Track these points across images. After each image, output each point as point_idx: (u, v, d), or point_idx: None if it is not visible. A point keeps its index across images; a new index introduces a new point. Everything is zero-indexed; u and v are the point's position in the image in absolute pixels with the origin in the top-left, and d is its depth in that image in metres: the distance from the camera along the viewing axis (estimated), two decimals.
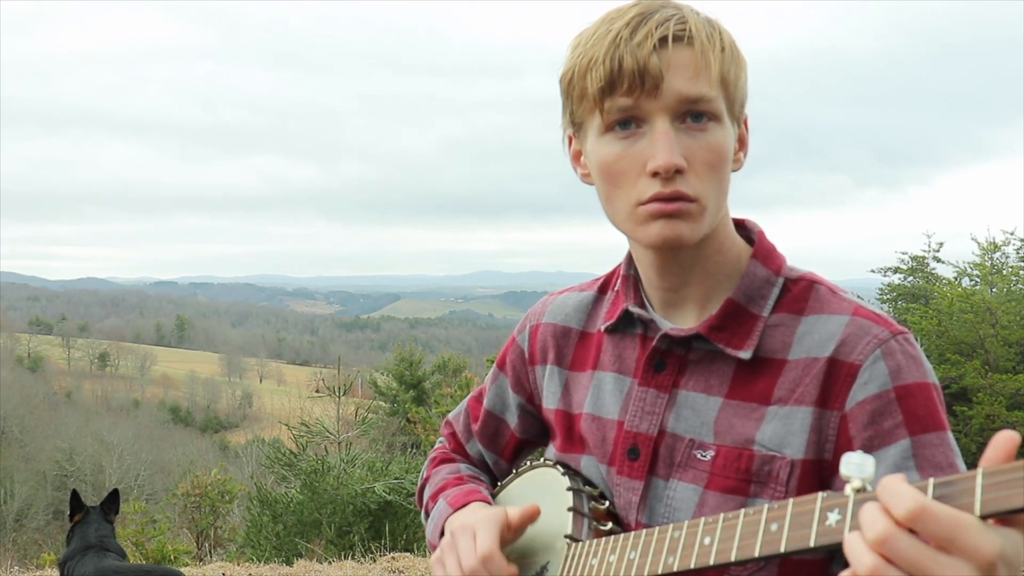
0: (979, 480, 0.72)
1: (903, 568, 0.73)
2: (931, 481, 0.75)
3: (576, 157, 1.19)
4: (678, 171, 1.05)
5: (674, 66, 1.04)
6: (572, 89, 1.10)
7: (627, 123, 1.07)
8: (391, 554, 8.17)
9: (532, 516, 1.19)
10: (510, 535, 1.18)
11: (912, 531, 0.73)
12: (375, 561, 7.81)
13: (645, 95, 1.04)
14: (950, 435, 1.06)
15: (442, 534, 1.28)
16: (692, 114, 1.06)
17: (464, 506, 1.27)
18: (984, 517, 0.71)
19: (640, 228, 1.09)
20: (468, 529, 1.18)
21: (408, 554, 8.23)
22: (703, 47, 1.05)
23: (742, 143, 1.14)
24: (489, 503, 1.29)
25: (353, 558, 8.16)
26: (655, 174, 1.05)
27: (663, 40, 1.04)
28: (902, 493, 0.73)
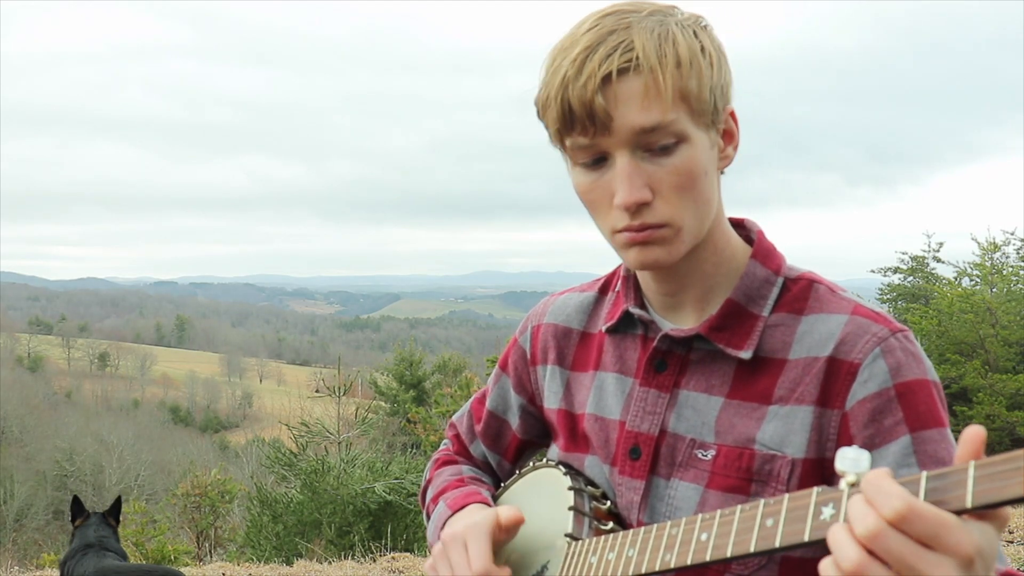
0: (971, 472, 0.73)
1: (891, 564, 0.75)
2: (924, 474, 0.77)
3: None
4: (644, 203, 1.05)
5: (622, 100, 1.02)
6: (541, 118, 1.11)
7: (590, 157, 1.08)
8: (391, 554, 8.18)
9: (519, 520, 1.18)
10: (502, 535, 1.18)
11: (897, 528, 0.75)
12: (375, 561, 7.82)
13: (598, 134, 1.04)
14: (950, 433, 1.06)
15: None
16: (653, 142, 1.04)
17: (463, 508, 1.27)
18: (959, 513, 0.74)
19: (621, 252, 1.12)
20: (458, 540, 1.17)
21: (408, 554, 8.24)
22: (652, 71, 1.02)
23: (729, 136, 1.13)
24: (488, 505, 1.29)
25: (353, 558, 8.16)
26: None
27: (606, 77, 1.02)
28: (890, 492, 0.75)
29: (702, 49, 1.06)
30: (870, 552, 0.76)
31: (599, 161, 1.07)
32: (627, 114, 1.03)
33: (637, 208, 1.05)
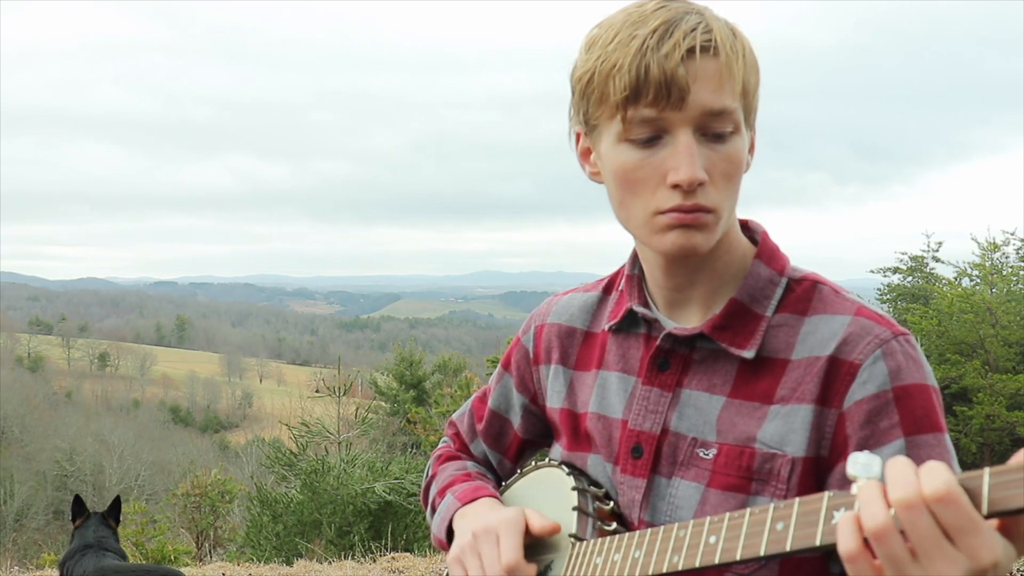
0: (986, 479, 0.73)
1: (912, 538, 0.75)
2: None
3: (585, 155, 1.18)
4: (702, 183, 1.05)
5: (700, 78, 1.03)
6: (590, 91, 1.08)
7: (649, 133, 1.06)
8: (391, 554, 8.18)
9: (553, 532, 1.17)
10: (527, 540, 1.18)
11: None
12: (375, 561, 7.82)
13: (670, 107, 1.03)
14: (947, 438, 1.07)
15: (449, 527, 1.28)
16: (714, 127, 1.05)
17: (473, 501, 1.27)
18: (988, 516, 0.73)
19: (656, 236, 1.09)
20: (491, 534, 1.17)
21: (408, 554, 8.25)
22: (727, 58, 1.04)
23: (751, 146, 1.14)
24: (498, 499, 1.29)
25: (353, 558, 8.17)
26: (676, 186, 1.05)
27: (690, 51, 1.03)
28: (939, 471, 0.75)
29: (752, 54, 1.09)
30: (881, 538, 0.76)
31: (653, 139, 1.06)
32: (701, 92, 1.03)
33: (693, 188, 1.05)
